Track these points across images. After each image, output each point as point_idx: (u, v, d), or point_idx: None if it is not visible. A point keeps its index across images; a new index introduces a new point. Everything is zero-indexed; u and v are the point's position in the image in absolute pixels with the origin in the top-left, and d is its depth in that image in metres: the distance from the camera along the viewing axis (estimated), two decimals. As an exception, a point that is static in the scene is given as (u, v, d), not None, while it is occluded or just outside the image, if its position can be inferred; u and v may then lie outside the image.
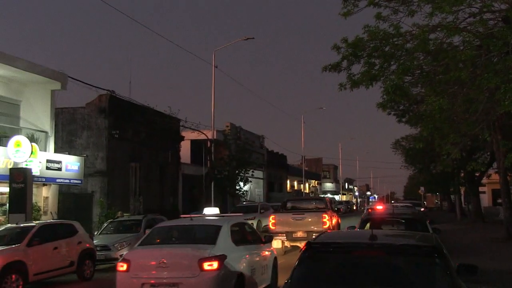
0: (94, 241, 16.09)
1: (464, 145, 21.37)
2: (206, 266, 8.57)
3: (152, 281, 8.65)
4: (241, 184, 38.72)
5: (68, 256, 13.90)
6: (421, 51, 15.48)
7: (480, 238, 24.05)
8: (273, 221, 18.61)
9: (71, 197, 25.04)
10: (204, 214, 13.84)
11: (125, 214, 22.75)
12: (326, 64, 16.56)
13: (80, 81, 23.42)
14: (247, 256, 9.93)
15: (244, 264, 9.61)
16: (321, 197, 36.17)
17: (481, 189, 43.06)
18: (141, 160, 29.76)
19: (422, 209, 42.69)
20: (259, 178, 54.26)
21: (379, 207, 23.59)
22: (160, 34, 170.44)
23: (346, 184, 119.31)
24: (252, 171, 41.69)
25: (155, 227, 10.58)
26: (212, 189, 33.21)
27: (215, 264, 8.60)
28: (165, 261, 8.71)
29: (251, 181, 43.27)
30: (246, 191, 41.80)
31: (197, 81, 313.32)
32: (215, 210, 15.58)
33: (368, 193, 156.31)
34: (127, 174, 28.44)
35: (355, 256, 4.97)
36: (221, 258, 8.72)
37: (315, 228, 17.73)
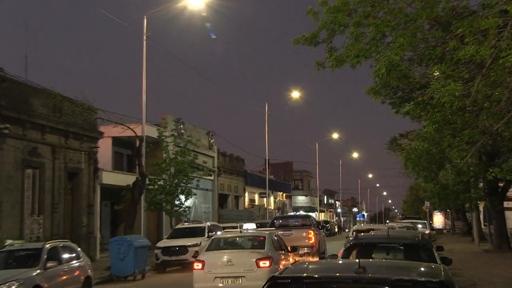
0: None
1: (483, 144, 21.78)
2: (261, 264, 16.79)
3: (223, 275, 16.68)
4: (182, 197, 38.52)
5: None
6: (427, 18, 15.69)
7: (509, 273, 23.52)
8: None
9: None
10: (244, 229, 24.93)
11: (16, 242, 22.23)
12: (298, 35, 16.67)
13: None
14: (283, 257, 18.40)
15: (282, 263, 17.48)
16: (307, 214, 44.29)
17: (506, 204, 43.87)
18: (41, 165, 29.41)
19: (427, 232, 43.34)
20: (207, 189, 54.13)
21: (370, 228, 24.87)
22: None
23: (325, 197, 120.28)
24: (198, 180, 41.54)
25: (215, 238, 19.46)
26: (142, 205, 32.90)
27: (267, 263, 16.84)
28: (231, 260, 16.91)
29: (195, 194, 43.03)
30: (189, 207, 41.59)
31: (127, 66, 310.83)
32: (253, 226, 30.54)
33: (355, 209, 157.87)
34: (20, 185, 27.99)
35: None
36: (271, 258, 17.09)
37: (302, 244, 26.58)
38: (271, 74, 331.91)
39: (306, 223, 29.75)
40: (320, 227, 33.94)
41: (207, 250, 18.42)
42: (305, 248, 27.65)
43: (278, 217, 35.67)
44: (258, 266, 16.92)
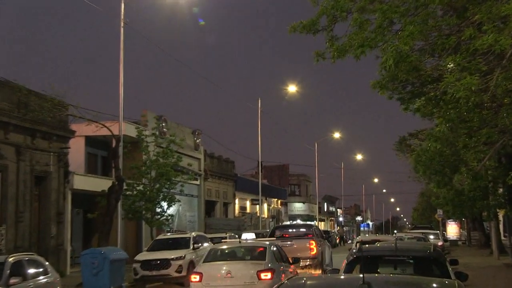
0: None
1: (503, 145, 21.87)
2: (263, 276, 17.82)
3: None
4: (164, 204, 38.51)
5: None
6: (440, 3, 15.75)
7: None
8: None
9: None
10: (243, 239, 24.20)
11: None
12: (295, 22, 16.73)
13: None
14: (284, 269, 19.32)
15: (284, 275, 18.44)
16: (310, 223, 47.43)
17: (529, 212, 44.16)
18: (4, 168, 29.34)
19: (440, 243, 43.45)
20: (192, 195, 54.24)
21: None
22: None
23: (325, 204, 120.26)
24: (182, 185, 41.52)
25: (212, 249, 20.86)
26: (119, 213, 32.91)
27: (269, 275, 17.91)
28: (231, 272, 17.96)
29: (179, 201, 43.05)
30: (172, 215, 41.55)
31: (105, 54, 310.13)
32: (252, 235, 30.80)
33: (359, 218, 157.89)
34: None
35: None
36: (273, 270, 18.14)
37: (303, 255, 27.08)
38: (266, 67, 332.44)
39: (309, 232, 30.91)
40: (325, 237, 35.27)
41: (205, 261, 19.63)
42: (307, 260, 28.29)
43: (279, 226, 38.87)
44: (260, 279, 17.97)
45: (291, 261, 21.57)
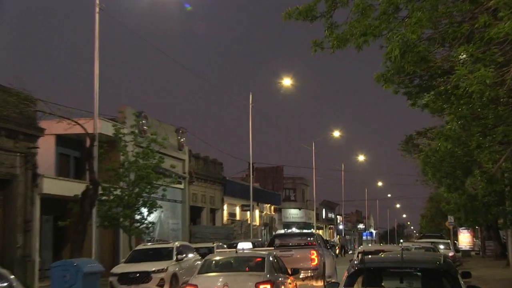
0: None
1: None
2: None
3: None
4: (144, 211, 38.40)
5: None
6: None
7: None
8: None
9: None
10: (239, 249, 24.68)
11: None
12: (290, 8, 16.66)
13: None
14: (283, 281, 20.42)
15: (283, 287, 20.14)
16: (312, 232, 49.54)
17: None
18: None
19: (451, 254, 43.51)
20: (175, 200, 54.23)
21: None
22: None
23: (324, 210, 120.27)
24: (164, 189, 41.44)
25: (207, 259, 21.40)
26: (94, 220, 32.73)
27: (268, 287, 18.59)
28: (228, 284, 18.44)
29: (161, 207, 42.86)
30: (153, 223, 41.39)
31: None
32: (249, 245, 33.10)
33: (361, 226, 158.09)
34: None
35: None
36: (272, 282, 18.83)
37: (304, 265, 28.18)
38: (259, 59, 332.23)
39: (310, 242, 31.98)
40: (328, 246, 37.22)
41: (200, 273, 20.33)
42: (308, 271, 29.36)
43: (278, 235, 40.07)
44: None
45: (290, 272, 22.33)
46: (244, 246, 33.10)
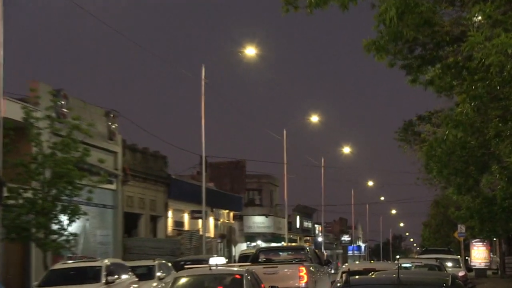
0: None
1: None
2: None
3: None
4: (64, 219, 38.36)
5: None
6: None
7: None
8: None
9: None
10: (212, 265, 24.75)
11: None
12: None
13: None
14: None
15: None
16: (302, 246, 56.72)
17: None
18: None
19: (462, 273, 43.71)
20: (105, 206, 53.88)
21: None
22: None
23: (298, 218, 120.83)
24: (90, 191, 41.31)
25: (178, 277, 24.43)
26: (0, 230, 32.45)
27: None
28: None
29: (86, 213, 42.76)
30: (76, 234, 41.26)
31: None
32: (221, 260, 30.55)
33: (346, 237, 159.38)
34: None
35: None
36: None
37: (290, 284, 31.17)
38: (213, 22, 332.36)
39: (299, 257, 35.33)
40: (324, 263, 39.81)
41: None
42: None
43: (263, 249, 43.66)
44: None
45: None
46: (218, 261, 33.39)
